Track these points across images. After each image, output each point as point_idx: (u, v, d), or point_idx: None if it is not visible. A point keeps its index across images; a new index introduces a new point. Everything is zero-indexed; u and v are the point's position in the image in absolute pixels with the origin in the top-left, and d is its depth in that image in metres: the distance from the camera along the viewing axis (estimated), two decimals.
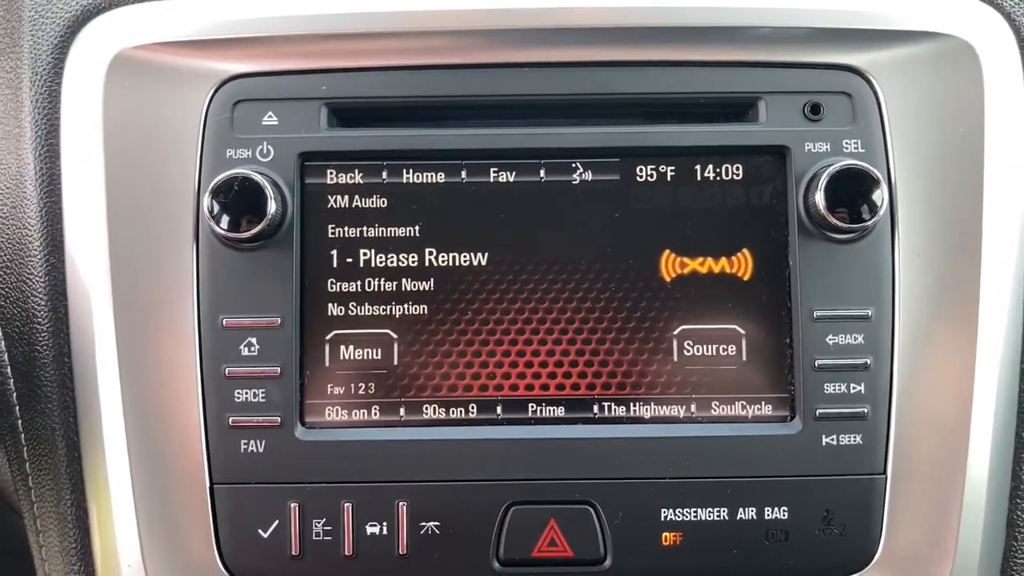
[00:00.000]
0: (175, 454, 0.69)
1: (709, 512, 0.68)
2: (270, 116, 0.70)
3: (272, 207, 0.67)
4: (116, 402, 0.68)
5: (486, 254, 0.70)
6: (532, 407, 0.70)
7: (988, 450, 0.69)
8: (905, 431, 0.69)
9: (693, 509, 0.68)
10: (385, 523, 0.68)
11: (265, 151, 0.70)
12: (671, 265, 0.71)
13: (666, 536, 0.68)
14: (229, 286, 0.69)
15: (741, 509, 0.68)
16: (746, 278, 0.71)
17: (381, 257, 0.71)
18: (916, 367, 0.69)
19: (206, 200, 0.67)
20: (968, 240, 0.70)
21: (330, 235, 0.71)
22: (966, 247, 0.70)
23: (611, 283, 0.71)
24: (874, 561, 0.69)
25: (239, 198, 0.67)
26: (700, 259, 0.71)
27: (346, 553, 0.68)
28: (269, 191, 0.67)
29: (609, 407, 0.70)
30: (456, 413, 0.70)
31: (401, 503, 0.68)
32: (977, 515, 0.69)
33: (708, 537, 0.68)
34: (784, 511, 0.68)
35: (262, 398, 0.68)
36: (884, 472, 0.69)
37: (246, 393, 0.68)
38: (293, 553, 0.68)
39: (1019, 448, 0.70)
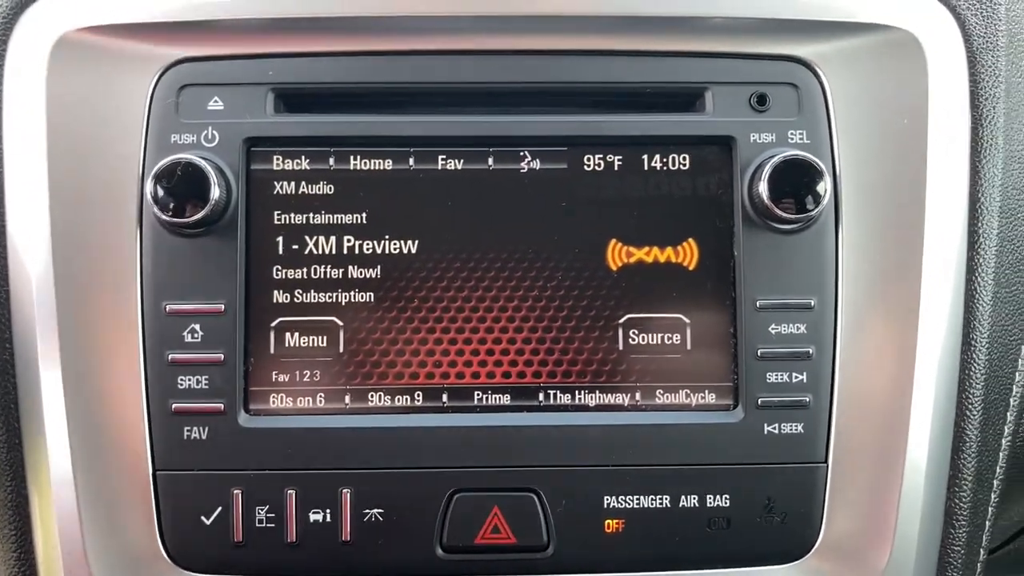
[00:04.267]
0: (117, 440, 0.68)
1: (651, 499, 0.69)
2: (216, 101, 0.70)
3: (216, 192, 0.67)
4: (57, 387, 0.68)
5: (433, 242, 0.70)
6: (477, 395, 0.70)
7: (927, 439, 0.69)
8: (846, 420, 0.70)
9: (636, 496, 0.69)
10: (329, 510, 0.68)
11: (210, 136, 0.69)
12: (618, 254, 0.71)
13: (608, 523, 0.69)
14: (173, 272, 0.68)
15: (683, 496, 0.69)
16: (692, 267, 0.71)
17: (327, 244, 0.70)
18: (858, 357, 0.70)
19: (149, 185, 0.67)
20: (911, 231, 0.71)
21: (276, 221, 0.70)
22: (909, 238, 0.71)
23: (558, 271, 0.71)
24: (814, 549, 0.70)
25: (183, 183, 0.66)
26: (646, 248, 0.71)
27: (289, 540, 0.68)
28: (213, 176, 0.66)
29: (554, 395, 0.71)
30: (401, 401, 0.70)
31: (345, 490, 0.68)
32: (915, 503, 0.69)
33: (650, 524, 0.69)
34: (726, 499, 0.69)
35: (205, 384, 0.68)
36: (825, 461, 0.69)
37: (189, 379, 0.68)
38: (236, 540, 0.68)
39: (957, 437, 0.71)
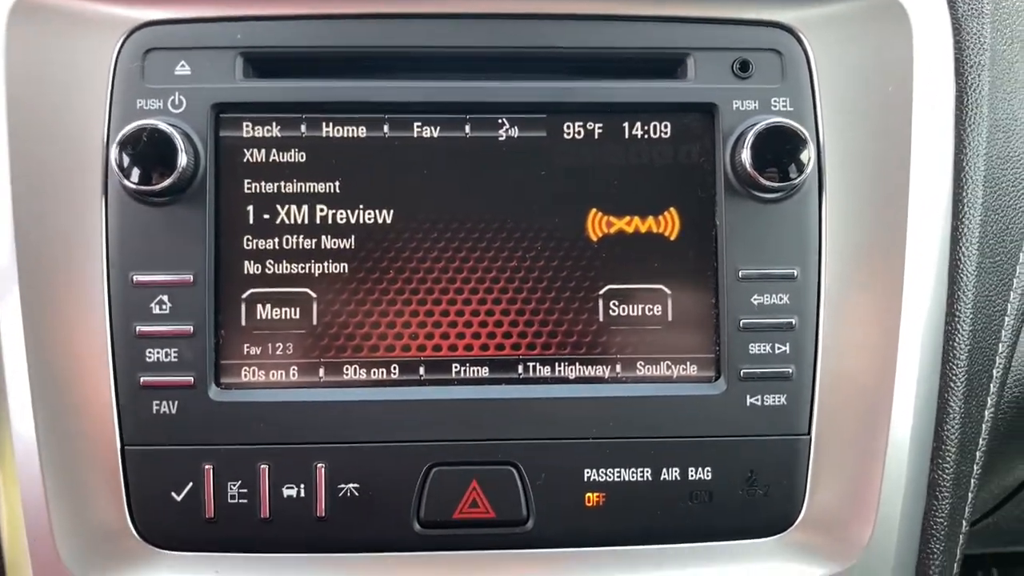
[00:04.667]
0: (84, 416, 0.66)
1: (632, 473, 0.68)
2: (183, 66, 0.68)
3: (183, 160, 0.64)
4: (20, 362, 0.65)
5: (409, 211, 0.69)
6: (456, 367, 0.69)
7: (911, 411, 0.68)
8: (829, 392, 0.69)
9: (616, 470, 0.68)
10: (303, 485, 0.66)
11: (177, 102, 0.67)
12: (598, 224, 0.70)
13: (589, 497, 0.68)
14: (139, 242, 0.66)
15: (665, 470, 0.68)
16: (673, 237, 0.70)
17: (299, 213, 0.68)
18: (841, 327, 0.69)
19: (114, 152, 0.64)
20: (895, 201, 0.70)
21: (246, 190, 0.68)
22: (893, 208, 0.70)
23: (537, 242, 0.69)
24: (797, 522, 0.69)
25: (148, 150, 0.64)
26: (627, 218, 0.70)
27: (263, 516, 0.66)
28: (179, 143, 0.64)
29: (534, 367, 0.69)
30: (377, 374, 0.68)
31: (319, 465, 0.66)
32: (899, 476, 0.68)
33: (631, 498, 0.68)
34: (708, 472, 0.68)
35: (174, 358, 0.66)
36: (808, 433, 0.69)
37: (158, 353, 0.66)
38: (208, 516, 0.66)
39: (941, 408, 0.70)
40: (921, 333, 0.69)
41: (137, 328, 0.66)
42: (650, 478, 0.68)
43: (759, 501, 0.68)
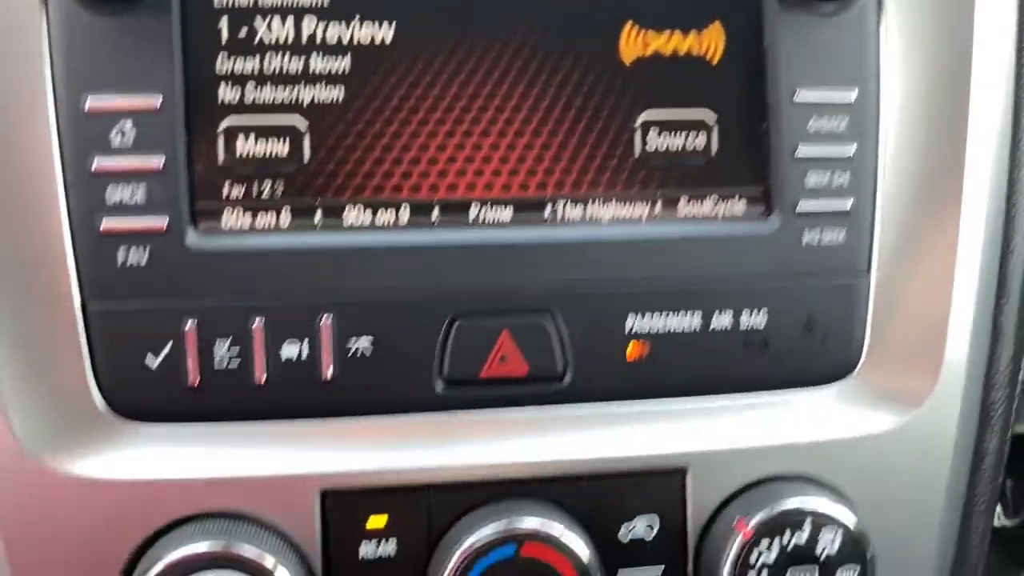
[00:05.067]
0: (35, 269, 0.55)
1: (680, 320, 0.60)
2: None
3: None
4: None
5: (414, 26, 0.58)
6: (475, 209, 0.60)
7: (979, 245, 0.62)
8: (891, 226, 0.62)
9: (662, 317, 0.60)
10: (306, 342, 0.57)
11: None
12: (633, 41, 0.60)
13: (632, 347, 0.60)
14: (92, 59, 0.55)
15: (715, 316, 0.60)
16: (717, 56, 0.61)
17: (283, 28, 0.57)
18: (904, 154, 0.62)
19: None
20: (960, 13, 0.62)
21: (217, 2, 0.57)
22: (958, 21, 0.62)
23: (565, 63, 0.60)
24: (858, 368, 0.63)
25: None
26: (666, 34, 0.61)
27: (258, 381, 0.56)
28: None
29: (564, 208, 0.60)
30: (385, 217, 0.59)
31: (325, 319, 0.57)
32: (966, 315, 0.62)
33: (679, 347, 0.60)
34: (763, 317, 0.61)
35: (141, 198, 0.55)
36: (868, 271, 0.62)
37: (121, 192, 0.55)
38: (191, 383, 0.56)
39: (1006, 243, 0.64)
40: (992, 160, 0.63)
41: (95, 163, 0.55)
42: (698, 326, 0.60)
43: (818, 347, 0.62)
